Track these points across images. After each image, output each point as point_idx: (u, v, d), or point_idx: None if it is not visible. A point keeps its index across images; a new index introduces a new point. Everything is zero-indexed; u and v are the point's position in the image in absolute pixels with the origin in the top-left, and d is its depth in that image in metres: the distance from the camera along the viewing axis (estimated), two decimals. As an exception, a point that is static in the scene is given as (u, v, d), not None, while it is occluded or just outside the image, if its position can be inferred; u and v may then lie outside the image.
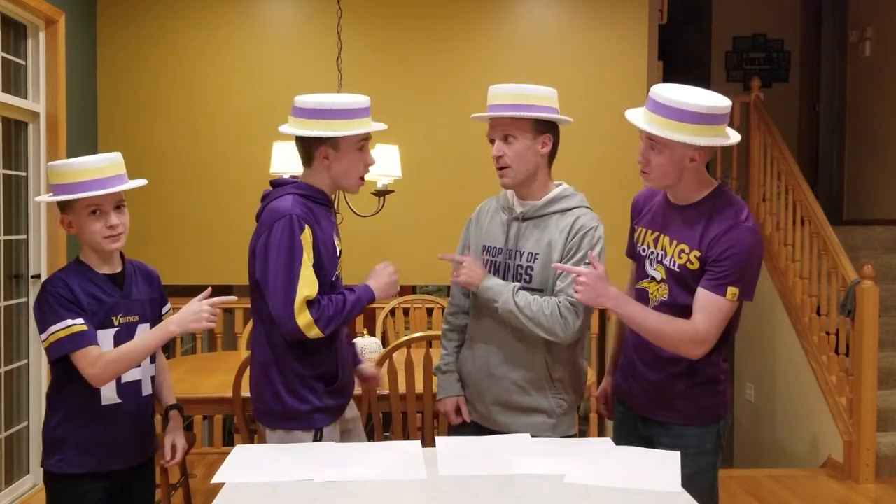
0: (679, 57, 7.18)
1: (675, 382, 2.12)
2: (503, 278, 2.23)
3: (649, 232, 2.17)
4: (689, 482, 1.84)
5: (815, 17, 7.14)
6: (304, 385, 2.17)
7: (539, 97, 2.17)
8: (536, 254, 2.19)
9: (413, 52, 5.05)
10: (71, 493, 2.11)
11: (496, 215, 2.32)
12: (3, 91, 3.89)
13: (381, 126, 2.21)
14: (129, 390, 2.14)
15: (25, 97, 4.11)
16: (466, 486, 1.78)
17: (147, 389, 2.20)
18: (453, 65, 5.05)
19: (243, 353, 3.96)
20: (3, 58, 3.93)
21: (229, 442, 5.23)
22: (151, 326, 2.17)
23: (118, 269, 2.17)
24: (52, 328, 2.00)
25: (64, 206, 2.07)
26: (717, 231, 2.01)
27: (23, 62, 4.12)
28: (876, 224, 5.90)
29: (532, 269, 2.20)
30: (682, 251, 2.06)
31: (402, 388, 3.00)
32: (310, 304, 2.05)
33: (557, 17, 5.10)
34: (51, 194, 2.07)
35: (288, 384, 2.16)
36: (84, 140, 4.68)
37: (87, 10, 4.76)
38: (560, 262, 2.16)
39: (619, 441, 2.17)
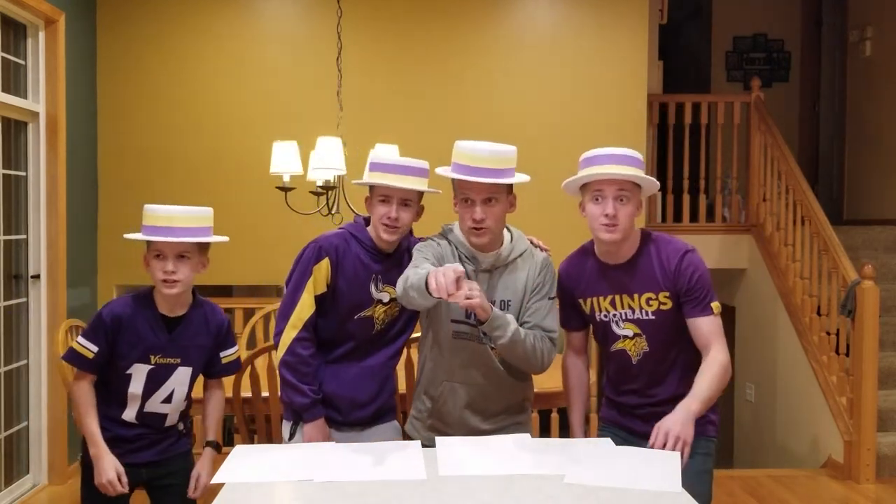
0: (679, 57, 7.18)
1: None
2: (478, 328, 2.20)
3: (601, 299, 2.21)
4: (697, 478, 2.01)
5: (816, 17, 7.14)
6: None
7: (514, 159, 2.18)
8: (509, 300, 2.22)
9: (413, 53, 5.05)
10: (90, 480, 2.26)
11: (462, 264, 2.22)
12: (3, 91, 3.89)
13: (397, 184, 2.25)
14: (148, 418, 2.30)
15: (25, 97, 4.10)
16: (466, 486, 1.78)
17: (172, 421, 2.35)
18: (453, 64, 5.04)
19: (243, 353, 3.95)
20: (2, 58, 3.93)
21: (229, 442, 5.20)
22: (195, 370, 2.34)
23: (180, 313, 2.28)
24: (80, 338, 2.24)
25: (146, 246, 2.24)
26: (672, 264, 2.12)
27: (22, 62, 4.12)
28: (876, 224, 5.90)
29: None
30: (650, 299, 2.14)
31: (402, 388, 3.00)
32: (298, 341, 2.24)
33: (558, 17, 5.10)
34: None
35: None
36: (84, 140, 4.68)
37: (87, 10, 4.76)
38: (529, 294, 2.22)
39: None
